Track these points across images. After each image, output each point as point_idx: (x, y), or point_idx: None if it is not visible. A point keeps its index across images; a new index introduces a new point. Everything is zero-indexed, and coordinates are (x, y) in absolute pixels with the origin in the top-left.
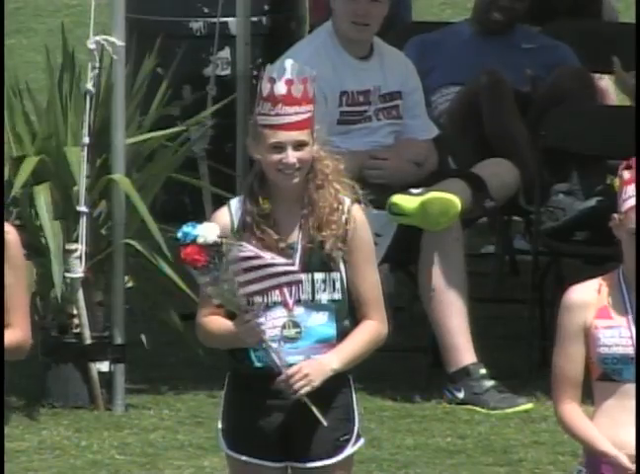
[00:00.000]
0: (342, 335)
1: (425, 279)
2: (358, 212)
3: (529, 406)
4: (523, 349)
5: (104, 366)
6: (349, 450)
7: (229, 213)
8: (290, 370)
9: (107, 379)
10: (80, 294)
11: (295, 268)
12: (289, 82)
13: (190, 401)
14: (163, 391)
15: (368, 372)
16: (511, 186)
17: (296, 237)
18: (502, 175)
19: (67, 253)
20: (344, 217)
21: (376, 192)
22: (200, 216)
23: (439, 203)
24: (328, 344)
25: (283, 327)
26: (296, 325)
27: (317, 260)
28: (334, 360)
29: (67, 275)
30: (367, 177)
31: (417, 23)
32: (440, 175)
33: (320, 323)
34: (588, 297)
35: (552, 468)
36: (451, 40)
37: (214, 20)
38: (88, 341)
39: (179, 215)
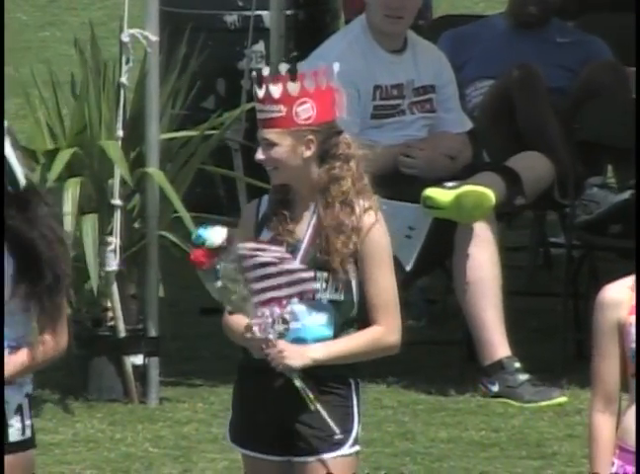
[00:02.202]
0: (340, 337)
1: (459, 273)
2: (367, 218)
3: (563, 399)
4: (557, 342)
5: (138, 359)
6: (344, 450)
7: (257, 206)
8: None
9: (141, 372)
10: (114, 287)
11: (310, 274)
12: (265, 80)
13: (223, 394)
14: (197, 384)
15: (403, 365)
16: (545, 179)
17: (303, 236)
18: (536, 168)
19: (102, 246)
20: (352, 236)
21: (411, 185)
22: (235, 209)
23: (473, 197)
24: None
25: (274, 322)
26: (285, 321)
27: (321, 259)
28: (318, 351)
29: (102, 268)
30: (401, 166)
31: (451, 16)
32: (475, 168)
33: (319, 323)
34: (621, 295)
35: (586, 461)
36: (486, 34)
37: (249, 13)
38: (122, 334)
39: (213, 208)
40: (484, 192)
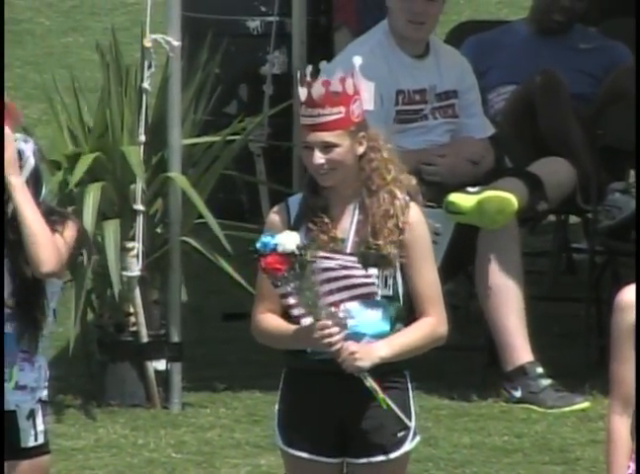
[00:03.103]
0: (396, 332)
1: (481, 278)
2: (413, 211)
3: (586, 405)
4: (580, 347)
5: (160, 365)
6: (406, 447)
7: (286, 209)
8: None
9: (163, 378)
10: (137, 293)
11: (372, 280)
12: (308, 85)
13: (246, 399)
14: (219, 390)
15: (425, 371)
16: (567, 185)
17: (347, 234)
18: (558, 174)
19: (124, 251)
20: (399, 221)
21: (434, 190)
22: (257, 214)
23: (495, 202)
24: (382, 339)
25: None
26: (344, 320)
27: (370, 255)
28: (383, 348)
29: (124, 273)
30: (424, 174)
31: (474, 22)
32: (497, 173)
33: (374, 319)
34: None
35: None
36: (509, 40)
37: (271, 19)
38: (145, 339)
39: (235, 214)
40: (506, 197)
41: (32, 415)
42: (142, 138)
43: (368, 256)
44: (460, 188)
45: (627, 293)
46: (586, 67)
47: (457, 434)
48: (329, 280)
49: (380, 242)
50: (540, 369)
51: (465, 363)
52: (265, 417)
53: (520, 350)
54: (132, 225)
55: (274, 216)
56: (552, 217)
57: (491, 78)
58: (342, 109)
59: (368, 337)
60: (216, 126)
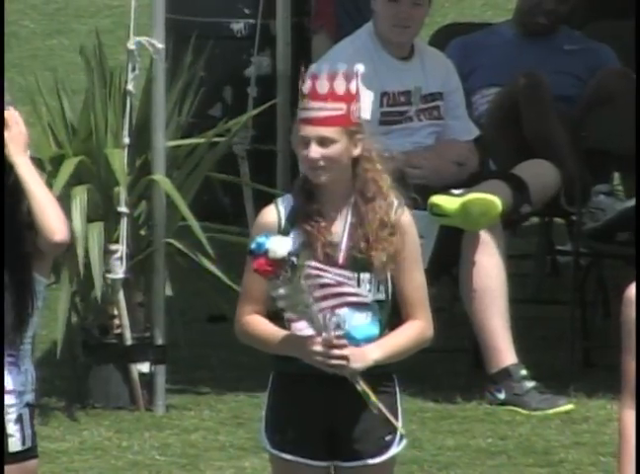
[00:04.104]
0: (384, 335)
1: (466, 280)
2: (406, 215)
3: (570, 407)
4: (565, 350)
5: (144, 367)
6: (393, 450)
7: (276, 211)
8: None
9: (147, 380)
10: (121, 295)
11: (364, 292)
12: (314, 77)
13: (231, 402)
14: (204, 392)
15: (410, 373)
16: (551, 187)
17: (340, 238)
18: (542, 176)
19: (108, 254)
20: (394, 229)
21: (418, 192)
22: (241, 217)
23: (479, 204)
24: (372, 342)
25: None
26: (339, 326)
27: (363, 261)
28: (375, 351)
29: (108, 275)
30: (408, 176)
31: (459, 24)
32: (481, 176)
33: (364, 322)
34: None
35: (593, 469)
36: (493, 42)
37: (255, 21)
38: (129, 342)
39: (219, 216)
40: (491, 199)
41: (20, 419)
42: (127, 141)
43: (361, 263)
44: (444, 190)
45: (633, 288)
46: (570, 69)
47: (442, 437)
48: (322, 287)
49: (373, 253)
50: (524, 372)
51: (450, 366)
52: (249, 419)
53: (505, 352)
54: (117, 227)
55: (263, 218)
56: (536, 220)
57: (475, 80)
58: (343, 106)
59: (360, 341)
60: (201, 129)
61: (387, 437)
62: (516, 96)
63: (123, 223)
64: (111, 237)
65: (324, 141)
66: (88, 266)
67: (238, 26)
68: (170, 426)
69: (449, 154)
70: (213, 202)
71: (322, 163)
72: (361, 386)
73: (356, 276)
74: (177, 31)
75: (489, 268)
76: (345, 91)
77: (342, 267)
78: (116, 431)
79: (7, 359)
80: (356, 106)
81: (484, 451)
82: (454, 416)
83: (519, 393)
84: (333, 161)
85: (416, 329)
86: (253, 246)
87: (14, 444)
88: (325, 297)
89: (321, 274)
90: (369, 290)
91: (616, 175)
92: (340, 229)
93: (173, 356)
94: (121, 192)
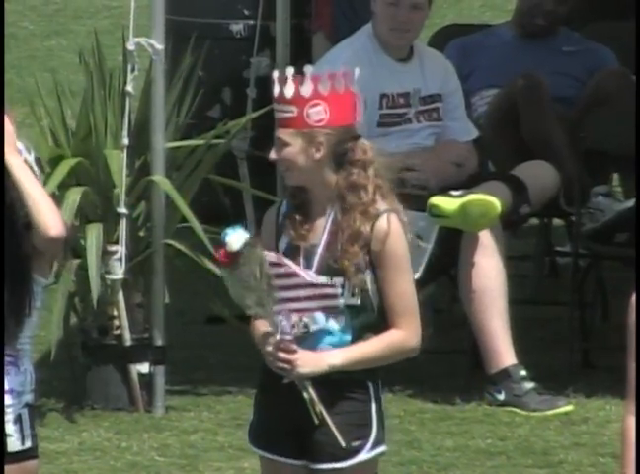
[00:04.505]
0: (360, 341)
1: (464, 281)
2: (388, 222)
3: (570, 408)
4: (564, 350)
5: (144, 368)
6: (362, 457)
7: (277, 211)
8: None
9: (147, 381)
10: (120, 296)
11: (336, 291)
12: (281, 81)
13: (230, 403)
14: (203, 393)
15: (409, 374)
16: (550, 188)
17: (319, 241)
18: (542, 177)
19: (107, 255)
20: (370, 241)
21: (417, 194)
22: (240, 218)
23: (479, 205)
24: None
25: (293, 326)
26: (306, 326)
27: (336, 266)
28: (336, 357)
29: (107, 276)
30: (406, 177)
31: (458, 25)
32: (481, 177)
33: (336, 327)
34: None
35: (593, 470)
36: (492, 43)
37: (255, 22)
38: (128, 342)
39: (219, 217)
40: (490, 200)
41: (19, 419)
42: (126, 142)
43: (334, 269)
44: (444, 191)
45: (635, 293)
46: (569, 70)
47: (441, 438)
48: (289, 288)
49: (346, 262)
50: (524, 372)
51: (449, 367)
52: (248, 420)
53: (504, 353)
54: (116, 228)
55: (266, 217)
56: (535, 221)
57: (474, 81)
58: (294, 108)
59: (326, 345)
60: (200, 130)
61: (355, 443)
62: (514, 97)
63: (123, 224)
64: (110, 238)
65: (281, 143)
66: (87, 267)
67: (237, 27)
68: (169, 427)
69: (448, 155)
70: (213, 204)
71: (283, 166)
72: (309, 393)
73: (329, 280)
74: (176, 31)
75: (488, 269)
76: (293, 94)
77: (316, 271)
78: (115, 432)
79: (6, 360)
80: (314, 108)
81: (483, 452)
82: (453, 417)
83: (518, 394)
84: (289, 163)
85: (392, 338)
86: (222, 235)
87: (13, 444)
88: (295, 299)
89: (293, 275)
90: (342, 295)
91: (615, 176)
92: (319, 236)
93: (172, 358)
94: (121, 193)
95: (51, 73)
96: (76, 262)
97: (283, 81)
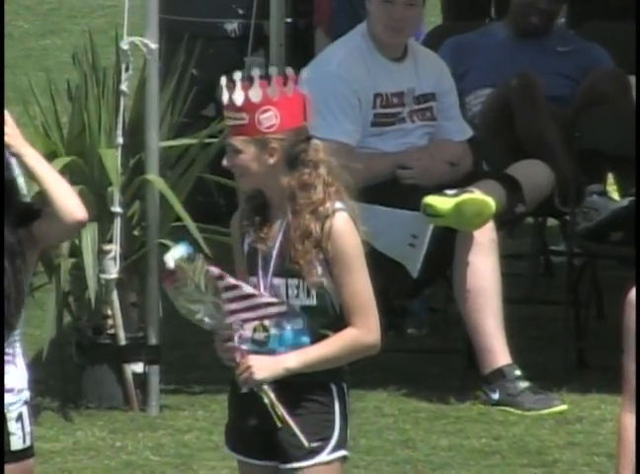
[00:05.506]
0: (319, 342)
1: (459, 281)
2: (338, 221)
3: (564, 407)
4: (558, 350)
5: (138, 367)
6: (322, 457)
7: (240, 216)
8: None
9: (141, 380)
10: (115, 295)
11: (278, 299)
12: (229, 89)
13: (224, 402)
14: (197, 392)
15: (403, 374)
16: (545, 187)
17: (275, 243)
18: (536, 176)
19: (102, 254)
20: (321, 239)
21: (411, 193)
22: None
23: (473, 205)
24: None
25: (254, 330)
26: (266, 329)
27: (291, 269)
28: (291, 360)
29: (102, 276)
30: (399, 177)
31: (452, 24)
32: (475, 176)
33: (294, 329)
34: None
35: (587, 469)
36: (486, 43)
37: (249, 21)
38: (122, 342)
39: (213, 216)
40: (484, 199)
41: (20, 417)
42: (120, 140)
43: (290, 270)
44: (438, 190)
45: (634, 290)
46: (563, 69)
47: (435, 437)
48: (234, 299)
49: (301, 261)
50: (518, 372)
51: (444, 366)
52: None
53: (499, 352)
54: (110, 228)
55: (232, 219)
56: (530, 220)
57: (469, 81)
58: (244, 115)
59: (284, 349)
60: (194, 129)
61: (315, 444)
62: (509, 96)
63: (117, 223)
64: (104, 237)
65: (234, 150)
66: (81, 266)
67: (232, 26)
68: (164, 426)
69: (442, 154)
70: (208, 203)
71: (237, 172)
72: (269, 397)
73: (284, 282)
74: (170, 31)
75: (483, 268)
76: (243, 101)
77: (273, 274)
78: (109, 431)
79: (5, 358)
80: (265, 114)
81: (478, 451)
82: (448, 416)
83: (512, 393)
84: (243, 170)
85: (347, 337)
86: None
87: (15, 443)
88: (245, 310)
89: (236, 288)
90: (297, 296)
91: (610, 175)
92: (275, 238)
93: (167, 357)
94: (115, 192)
95: (46, 72)
96: (70, 261)
97: (231, 88)
